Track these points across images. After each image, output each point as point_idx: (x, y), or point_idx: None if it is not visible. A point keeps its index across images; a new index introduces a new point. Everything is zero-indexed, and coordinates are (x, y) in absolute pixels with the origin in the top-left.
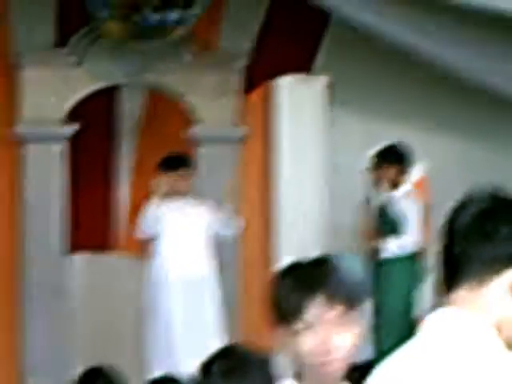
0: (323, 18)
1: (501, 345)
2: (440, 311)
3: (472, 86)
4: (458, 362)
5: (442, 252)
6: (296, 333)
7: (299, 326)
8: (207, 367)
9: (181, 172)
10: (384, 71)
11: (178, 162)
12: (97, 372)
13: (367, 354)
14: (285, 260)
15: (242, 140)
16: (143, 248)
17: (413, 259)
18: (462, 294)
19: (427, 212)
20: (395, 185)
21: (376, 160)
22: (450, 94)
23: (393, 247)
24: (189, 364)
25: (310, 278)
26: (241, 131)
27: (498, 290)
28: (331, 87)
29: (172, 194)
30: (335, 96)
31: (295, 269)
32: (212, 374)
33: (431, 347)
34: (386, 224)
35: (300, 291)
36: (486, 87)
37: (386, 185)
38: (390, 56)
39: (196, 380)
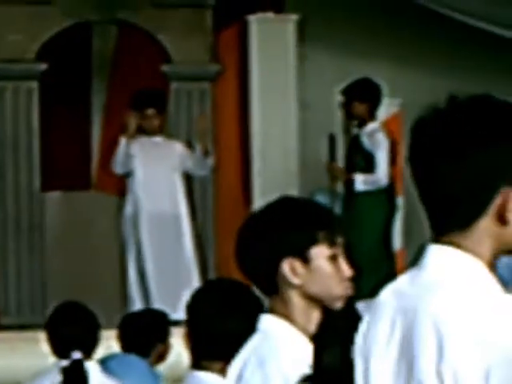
0: None
1: (496, 287)
2: (431, 249)
3: (442, 18)
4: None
5: (417, 191)
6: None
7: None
8: (197, 302)
9: (151, 109)
10: (355, 7)
11: (148, 99)
12: (70, 307)
13: None
14: (259, 197)
15: (215, 77)
16: (118, 185)
17: (383, 195)
18: (450, 236)
19: (397, 149)
20: (364, 120)
21: (345, 95)
22: (424, 28)
23: (360, 183)
24: (163, 300)
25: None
26: (213, 68)
27: (486, 224)
28: (303, 24)
29: (144, 131)
30: (307, 33)
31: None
32: (203, 308)
33: (430, 283)
34: (356, 160)
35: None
36: (459, 21)
37: (355, 121)
38: None
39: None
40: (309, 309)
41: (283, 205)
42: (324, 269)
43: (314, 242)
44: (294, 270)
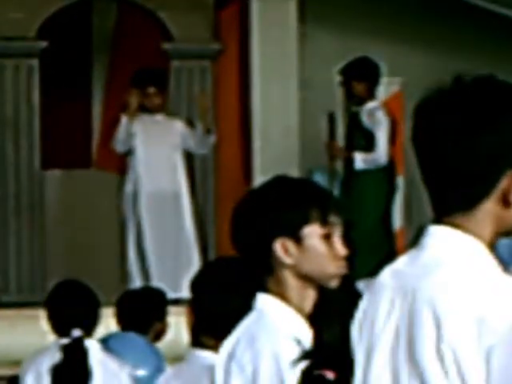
0: None
1: (497, 268)
2: (432, 230)
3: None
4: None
5: (420, 170)
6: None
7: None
8: (200, 280)
9: (153, 88)
10: None
11: (149, 77)
12: (70, 285)
13: None
14: (259, 175)
15: (217, 55)
16: (118, 163)
17: (384, 174)
18: (452, 217)
19: (397, 128)
20: (364, 99)
21: (344, 75)
22: (423, 7)
23: (360, 161)
24: (163, 279)
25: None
26: (215, 46)
27: (490, 205)
28: (303, 3)
29: (145, 109)
30: (308, 11)
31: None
32: (207, 287)
33: (430, 263)
34: (355, 138)
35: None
36: (459, 0)
37: (355, 99)
38: None
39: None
40: (303, 288)
41: (275, 185)
42: (317, 248)
43: (305, 221)
44: (286, 250)
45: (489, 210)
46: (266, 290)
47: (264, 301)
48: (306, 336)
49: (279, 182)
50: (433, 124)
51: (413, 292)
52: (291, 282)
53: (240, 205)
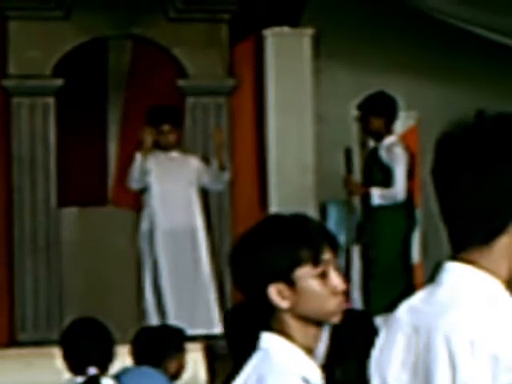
0: None
1: None
2: (449, 266)
3: (458, 31)
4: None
5: (439, 204)
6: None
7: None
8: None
9: (166, 126)
10: (371, 21)
11: (163, 114)
12: (85, 323)
13: (356, 304)
14: (276, 210)
15: (232, 91)
16: (134, 200)
17: (402, 209)
18: (469, 253)
19: (415, 162)
20: (381, 135)
21: (361, 110)
22: (437, 42)
23: (377, 197)
24: (180, 316)
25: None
26: (230, 82)
27: (507, 241)
28: (318, 38)
29: (160, 147)
30: (322, 47)
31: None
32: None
33: (445, 300)
34: (373, 173)
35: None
36: (473, 33)
37: (372, 135)
38: (377, 6)
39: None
40: (305, 327)
41: (265, 227)
42: (311, 289)
43: (296, 263)
44: (281, 294)
45: (505, 245)
46: (270, 328)
47: (269, 340)
48: (315, 375)
49: (269, 224)
50: (453, 158)
51: (429, 330)
52: (291, 323)
53: (234, 248)
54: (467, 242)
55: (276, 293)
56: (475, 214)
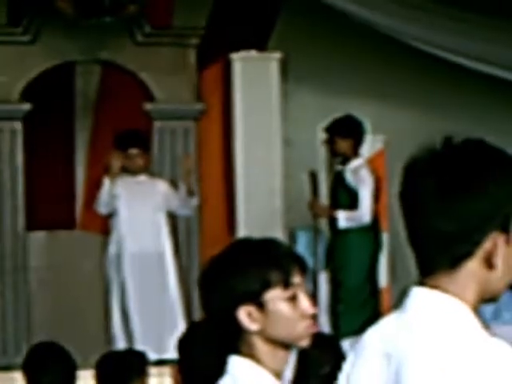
0: None
1: (481, 331)
2: (417, 292)
3: (426, 56)
4: (444, 345)
5: (406, 228)
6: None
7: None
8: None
9: (134, 150)
10: (338, 45)
11: (131, 139)
12: (46, 348)
13: (324, 327)
14: (244, 235)
15: (200, 115)
16: (102, 224)
17: (368, 232)
18: (437, 278)
19: (381, 186)
20: (348, 158)
21: (328, 133)
22: (404, 66)
23: (343, 220)
24: (147, 340)
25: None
26: (198, 107)
27: (473, 266)
28: (285, 62)
29: (128, 170)
30: (290, 71)
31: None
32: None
33: (413, 326)
34: (339, 197)
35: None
36: (440, 57)
37: (339, 158)
38: (345, 30)
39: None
40: (273, 350)
41: (235, 250)
42: (281, 312)
43: (266, 286)
44: (250, 316)
45: (472, 271)
46: (237, 351)
47: (237, 364)
48: None
49: (239, 247)
50: (421, 184)
51: (399, 357)
52: (260, 346)
53: (204, 271)
54: (434, 266)
55: (246, 315)
56: (442, 238)
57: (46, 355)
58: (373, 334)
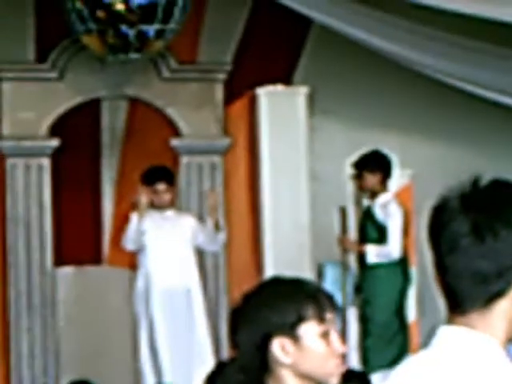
0: (303, 27)
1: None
2: (447, 330)
3: (455, 90)
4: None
5: (435, 266)
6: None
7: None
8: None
9: (161, 185)
10: (365, 78)
11: (157, 175)
12: None
13: (353, 362)
14: (271, 270)
15: (226, 150)
16: (130, 259)
17: (397, 267)
18: (468, 316)
19: (409, 220)
20: (376, 192)
21: (356, 168)
22: (433, 100)
23: (373, 255)
24: (176, 375)
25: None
26: (224, 142)
27: (506, 305)
28: (312, 96)
29: (155, 206)
30: (316, 105)
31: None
32: None
33: (444, 363)
34: (368, 232)
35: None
36: (470, 93)
37: (367, 192)
38: (372, 63)
39: None
40: None
41: (271, 285)
42: (315, 346)
43: (302, 319)
44: (284, 349)
45: (505, 309)
46: None
47: None
48: None
49: (273, 282)
50: (454, 225)
51: None
52: (290, 380)
53: (237, 305)
54: (467, 305)
55: (280, 347)
56: (479, 277)
57: None
58: (398, 372)
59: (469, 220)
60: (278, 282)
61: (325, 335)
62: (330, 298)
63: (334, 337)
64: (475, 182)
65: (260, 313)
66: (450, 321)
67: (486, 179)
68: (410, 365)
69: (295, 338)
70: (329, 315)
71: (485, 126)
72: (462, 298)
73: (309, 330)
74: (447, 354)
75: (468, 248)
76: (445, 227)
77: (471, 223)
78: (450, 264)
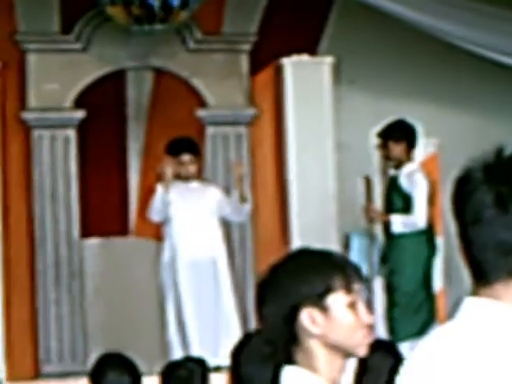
0: None
1: None
2: (472, 301)
3: (481, 59)
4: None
5: (459, 237)
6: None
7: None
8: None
9: (186, 156)
10: (390, 48)
11: (182, 146)
12: (113, 357)
13: (380, 332)
14: (297, 241)
15: (251, 121)
16: (156, 231)
17: (423, 236)
18: (492, 288)
19: (435, 189)
20: (402, 162)
21: (381, 137)
22: (458, 69)
23: (398, 225)
24: (203, 346)
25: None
26: (249, 112)
27: None
28: (337, 66)
29: (181, 177)
30: (341, 75)
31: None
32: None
33: (470, 335)
34: (394, 201)
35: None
36: (495, 61)
37: (393, 162)
38: (396, 33)
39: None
40: (331, 357)
41: (298, 256)
42: (343, 317)
43: (330, 290)
44: (313, 320)
45: None
46: (292, 361)
47: (291, 373)
48: None
49: (301, 253)
50: (478, 197)
51: (445, 362)
52: (319, 351)
53: (264, 277)
54: (491, 276)
55: (309, 318)
56: (503, 248)
57: (113, 364)
58: (422, 346)
59: (492, 191)
60: (305, 253)
61: (352, 306)
62: (356, 269)
63: (362, 307)
64: (499, 153)
65: (288, 284)
66: (475, 292)
67: (510, 150)
68: (435, 337)
69: (324, 309)
70: (356, 286)
71: None
72: (487, 270)
73: (337, 300)
74: (472, 325)
75: (492, 219)
76: (468, 199)
77: (495, 194)
78: (474, 235)
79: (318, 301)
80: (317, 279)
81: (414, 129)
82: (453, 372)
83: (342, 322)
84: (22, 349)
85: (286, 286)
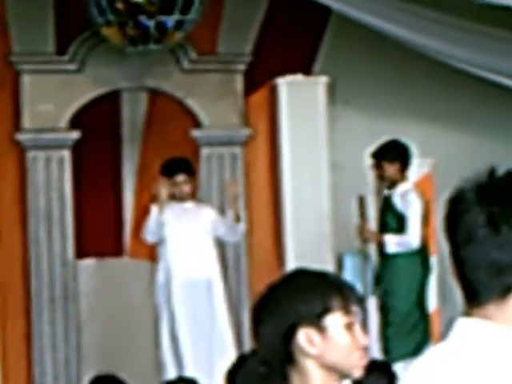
0: (323, 17)
1: None
2: (464, 322)
3: (475, 79)
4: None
5: (452, 257)
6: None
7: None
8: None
9: (181, 177)
10: (385, 68)
11: (177, 166)
12: (105, 380)
13: (374, 352)
14: (292, 261)
15: (246, 141)
16: (151, 251)
17: (417, 256)
18: (484, 308)
19: (429, 209)
20: (396, 182)
21: (375, 158)
22: (453, 89)
23: (392, 245)
24: (197, 367)
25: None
26: (244, 132)
27: None
28: (332, 86)
29: (175, 197)
30: (336, 94)
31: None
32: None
33: (462, 356)
34: (388, 221)
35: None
36: (489, 81)
37: (387, 182)
38: (391, 53)
39: None
40: (326, 378)
41: (295, 276)
42: (340, 338)
43: (328, 310)
44: (310, 340)
45: None
46: (288, 382)
47: None
48: None
49: (298, 273)
50: (470, 217)
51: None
52: (314, 372)
53: (261, 296)
54: (482, 296)
55: (306, 338)
56: (496, 268)
57: None
58: (416, 366)
59: (484, 211)
60: (303, 273)
61: (349, 327)
62: (353, 290)
63: (358, 329)
64: (491, 173)
65: (286, 303)
66: (467, 312)
67: (503, 170)
68: (429, 357)
69: (321, 329)
70: (354, 307)
71: (507, 116)
72: (479, 290)
73: (334, 321)
74: (464, 346)
75: (484, 239)
76: (461, 219)
77: (487, 215)
78: (466, 255)
79: (316, 321)
80: (315, 299)
81: (408, 149)
82: None
83: (338, 343)
84: (16, 370)
85: (284, 305)
